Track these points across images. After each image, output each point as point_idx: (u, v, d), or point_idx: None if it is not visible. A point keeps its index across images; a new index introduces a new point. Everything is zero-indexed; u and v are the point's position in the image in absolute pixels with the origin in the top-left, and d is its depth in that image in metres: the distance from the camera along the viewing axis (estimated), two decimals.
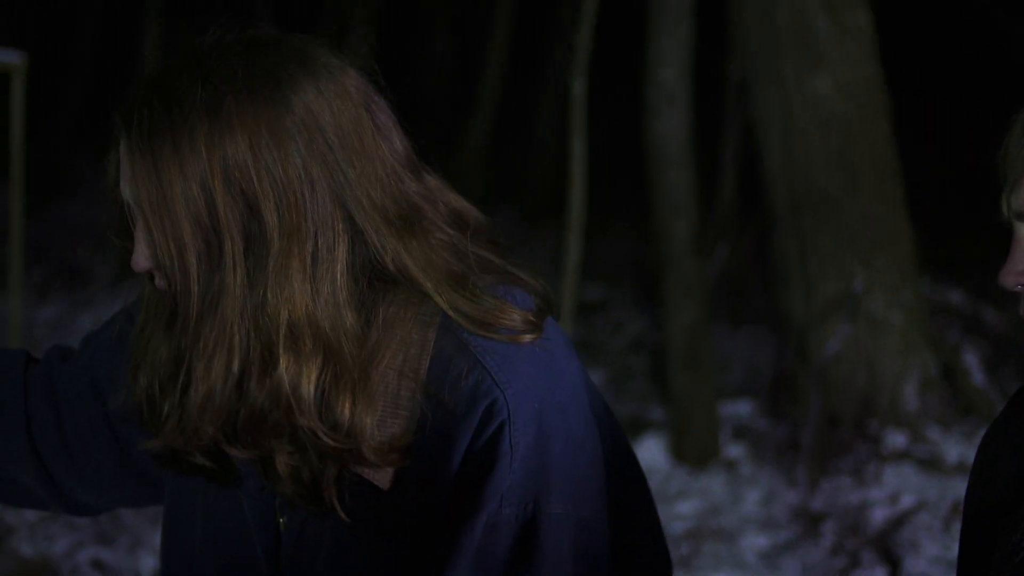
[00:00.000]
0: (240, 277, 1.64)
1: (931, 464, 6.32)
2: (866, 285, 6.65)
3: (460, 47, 15.43)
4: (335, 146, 1.66)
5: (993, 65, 11.82)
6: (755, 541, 5.91)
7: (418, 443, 1.67)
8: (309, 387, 1.64)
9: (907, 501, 6.01)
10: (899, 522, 5.85)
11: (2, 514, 5.65)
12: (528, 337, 1.69)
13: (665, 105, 6.67)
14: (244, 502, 1.78)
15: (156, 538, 5.37)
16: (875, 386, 6.64)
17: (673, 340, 6.83)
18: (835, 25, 6.66)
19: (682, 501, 6.33)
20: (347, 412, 1.65)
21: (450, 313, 1.68)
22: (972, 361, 6.91)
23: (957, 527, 5.37)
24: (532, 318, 1.70)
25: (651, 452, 6.76)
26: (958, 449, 6.40)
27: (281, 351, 1.63)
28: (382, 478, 1.68)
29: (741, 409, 7.24)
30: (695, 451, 6.72)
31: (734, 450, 6.79)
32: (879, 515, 5.93)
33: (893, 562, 5.59)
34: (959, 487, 5.41)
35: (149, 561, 5.47)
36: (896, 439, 6.47)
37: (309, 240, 1.64)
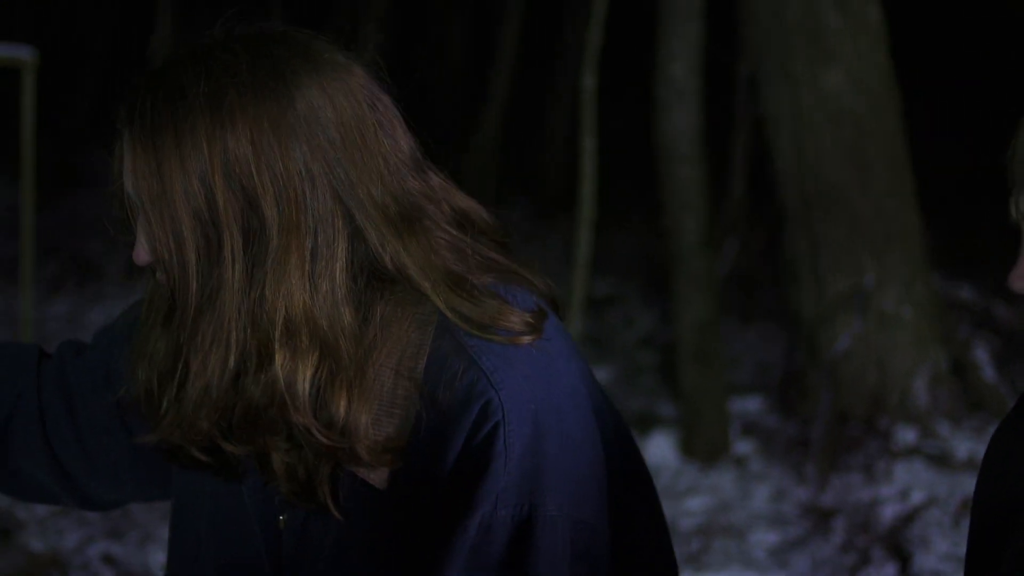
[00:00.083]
0: (238, 272, 1.63)
1: (941, 460, 6.31)
2: (877, 281, 6.64)
3: (471, 44, 15.43)
4: (337, 143, 1.65)
5: (1005, 60, 11.81)
6: (765, 537, 5.91)
7: (413, 443, 1.66)
8: (304, 384, 1.63)
9: (917, 497, 6.00)
10: (909, 518, 5.85)
11: (12, 509, 5.66)
12: (526, 338, 1.68)
13: (675, 101, 6.67)
14: (247, 498, 1.78)
15: (166, 533, 5.37)
16: (885, 382, 6.63)
17: (683, 336, 6.83)
18: (846, 20, 6.65)
19: (692, 497, 6.33)
20: (342, 410, 1.64)
21: (447, 314, 1.67)
22: (983, 356, 6.89)
23: (967, 523, 5.37)
24: (530, 319, 1.69)
25: (661, 448, 6.76)
26: (968, 445, 6.39)
27: (277, 347, 1.63)
28: (378, 478, 1.67)
29: (751, 405, 7.23)
30: (705, 447, 6.72)
31: (744, 446, 6.79)
32: (889, 511, 5.92)
33: (903, 558, 5.59)
34: (969, 483, 5.40)
35: (159, 556, 5.47)
36: (906, 435, 6.46)
37: (308, 236, 1.63)
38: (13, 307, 8.34)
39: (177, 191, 1.63)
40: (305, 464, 1.68)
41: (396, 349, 1.68)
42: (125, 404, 1.85)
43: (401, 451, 1.66)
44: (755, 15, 6.84)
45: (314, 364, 1.64)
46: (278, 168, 1.63)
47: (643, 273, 10.06)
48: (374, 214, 1.66)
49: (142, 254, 1.70)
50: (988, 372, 6.84)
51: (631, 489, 1.76)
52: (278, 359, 1.63)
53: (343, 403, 1.64)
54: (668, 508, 6.13)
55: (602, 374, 7.76)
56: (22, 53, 6.18)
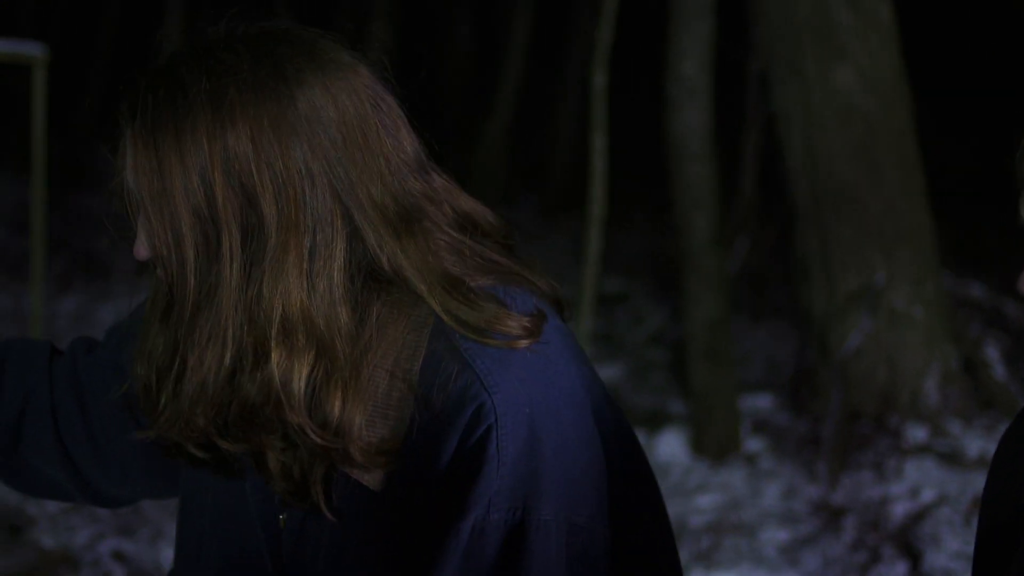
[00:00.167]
0: (236, 269, 1.63)
1: (952, 458, 6.30)
2: (888, 279, 6.63)
3: (481, 41, 15.44)
4: (338, 143, 1.65)
5: (1016, 61, 11.79)
6: (775, 535, 5.91)
7: (407, 445, 1.65)
8: (300, 383, 1.63)
9: (928, 495, 5.99)
10: (920, 516, 5.84)
11: (23, 506, 5.67)
12: (523, 342, 1.67)
13: (686, 99, 6.67)
14: (249, 496, 1.78)
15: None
16: (896, 380, 6.62)
17: (693, 334, 6.83)
18: (857, 18, 6.64)
19: (702, 495, 6.32)
20: (336, 410, 1.64)
21: (443, 317, 1.67)
22: (993, 354, 6.88)
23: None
24: (527, 323, 1.68)
25: (671, 446, 6.76)
26: (979, 443, 6.38)
27: (274, 345, 1.63)
28: (373, 479, 1.67)
29: (761, 403, 7.23)
30: (715, 445, 6.72)
31: (754, 444, 6.79)
32: (900, 509, 5.92)
33: (914, 556, 5.58)
34: (980, 481, 5.40)
35: (170, 553, 5.47)
36: (917, 433, 6.45)
37: (307, 235, 1.63)
38: (22, 304, 8.36)
39: (177, 188, 1.63)
40: (300, 464, 1.68)
41: (392, 350, 1.68)
42: (133, 400, 1.85)
43: (395, 453, 1.65)
44: (766, 12, 6.84)
45: (310, 363, 1.63)
46: (278, 166, 1.63)
47: (653, 270, 10.06)
48: (372, 215, 1.65)
49: (142, 250, 1.70)
50: (999, 371, 6.82)
51: (632, 490, 1.75)
52: (274, 357, 1.63)
53: (337, 403, 1.64)
54: (678, 506, 6.13)
55: (612, 372, 7.76)
56: (32, 50, 6.18)
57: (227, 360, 1.64)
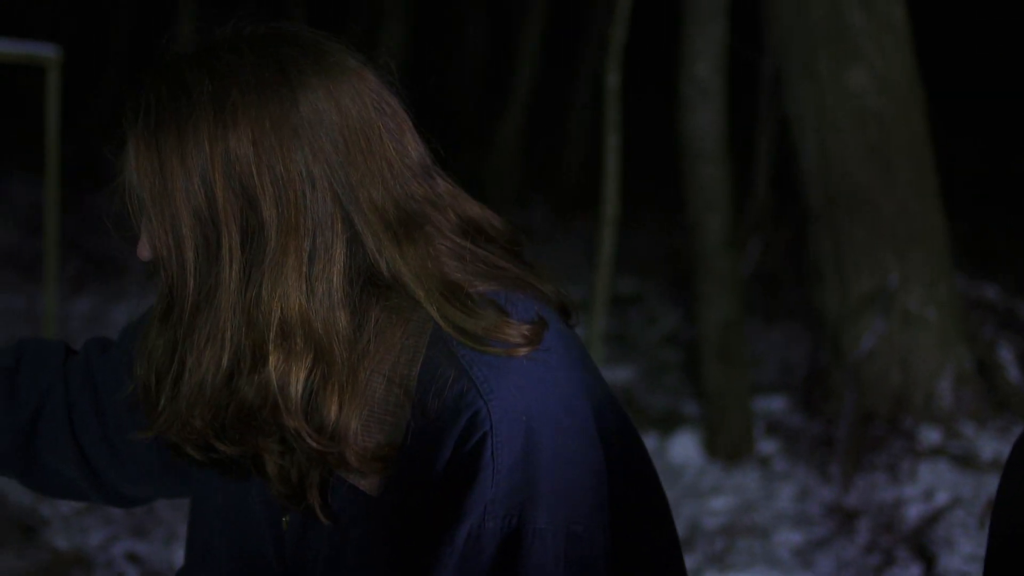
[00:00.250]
0: (236, 271, 1.63)
1: (966, 460, 6.29)
2: (901, 281, 6.62)
3: (494, 42, 15.44)
4: (340, 146, 1.64)
5: None
6: (789, 537, 5.90)
7: (403, 450, 1.65)
8: (297, 386, 1.63)
9: (942, 498, 5.98)
10: (934, 519, 5.83)
11: (36, 506, 5.68)
12: (522, 350, 1.66)
13: (699, 99, 6.66)
14: (254, 497, 1.79)
15: None
16: (909, 382, 6.61)
17: (707, 335, 6.82)
18: (871, 19, 6.63)
19: (715, 497, 6.31)
20: (333, 414, 1.64)
21: (440, 323, 1.66)
22: (1007, 356, 6.87)
23: None
24: (527, 331, 1.67)
25: (684, 447, 6.76)
26: (993, 445, 6.37)
27: (272, 348, 1.62)
28: (370, 484, 1.67)
29: (775, 405, 7.22)
30: (729, 447, 6.71)
31: (768, 446, 6.78)
32: (913, 512, 5.90)
33: (928, 559, 5.57)
34: (994, 484, 5.39)
35: (183, 554, 5.48)
36: (930, 435, 6.44)
37: (307, 238, 1.63)
38: (36, 305, 8.37)
39: (178, 189, 1.63)
40: (298, 468, 1.68)
41: (389, 356, 1.67)
42: (130, 400, 1.85)
43: (391, 459, 1.65)
44: (779, 14, 6.83)
45: (307, 367, 1.63)
46: (279, 169, 1.62)
47: (666, 271, 10.05)
48: (372, 219, 1.65)
49: (144, 251, 1.71)
50: (1013, 372, 6.81)
51: (635, 498, 1.73)
52: (272, 360, 1.63)
53: (334, 407, 1.64)
54: (691, 507, 6.13)
55: (625, 373, 7.75)
56: (46, 51, 6.18)
57: (225, 362, 1.64)
